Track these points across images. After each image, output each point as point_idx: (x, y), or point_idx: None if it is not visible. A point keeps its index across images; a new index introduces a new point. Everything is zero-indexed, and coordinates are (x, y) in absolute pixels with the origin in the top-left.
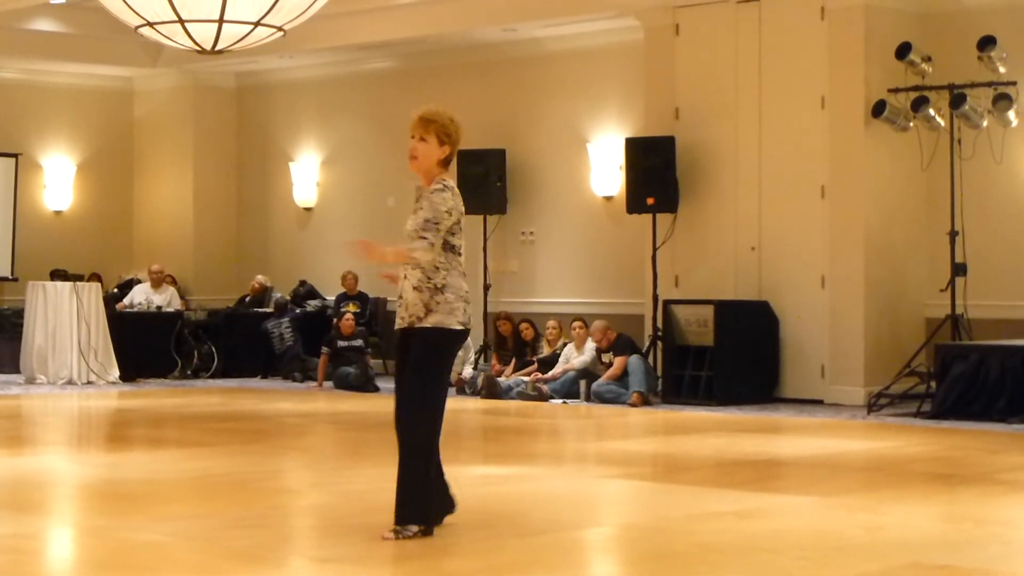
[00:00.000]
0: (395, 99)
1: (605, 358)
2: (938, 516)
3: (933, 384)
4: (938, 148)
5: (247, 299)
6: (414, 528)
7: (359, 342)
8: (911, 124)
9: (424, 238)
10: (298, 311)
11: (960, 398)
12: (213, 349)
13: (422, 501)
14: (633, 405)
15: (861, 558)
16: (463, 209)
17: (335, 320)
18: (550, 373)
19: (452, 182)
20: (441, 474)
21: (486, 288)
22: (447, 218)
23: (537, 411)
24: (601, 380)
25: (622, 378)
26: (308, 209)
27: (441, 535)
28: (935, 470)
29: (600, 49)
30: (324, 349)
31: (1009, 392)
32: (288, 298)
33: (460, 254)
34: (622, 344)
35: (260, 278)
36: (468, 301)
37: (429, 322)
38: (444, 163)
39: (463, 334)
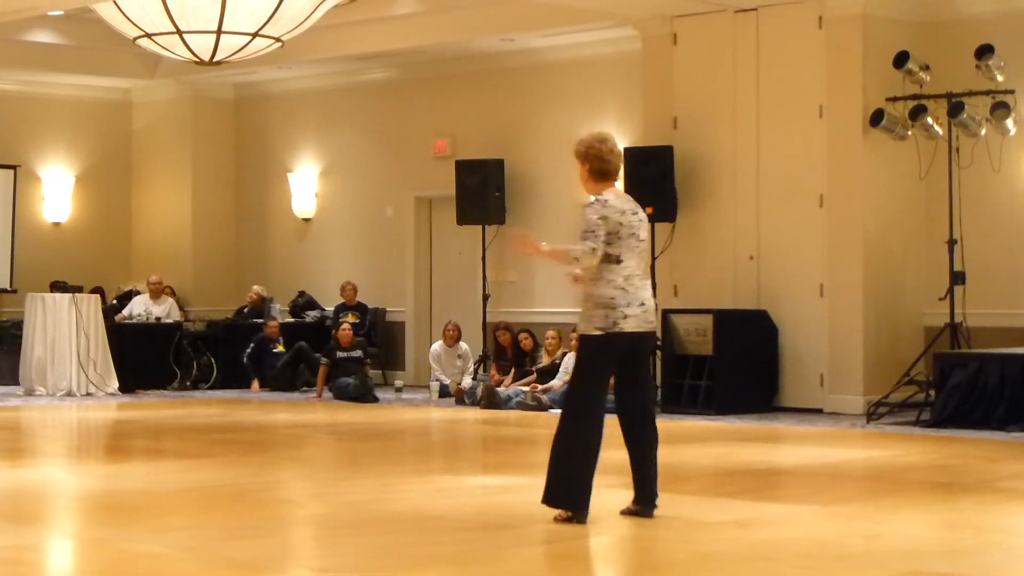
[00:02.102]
0: (393, 109)
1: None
2: (937, 524)
3: (932, 393)
4: (936, 157)
5: (245, 310)
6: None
7: (358, 353)
8: (909, 133)
9: (586, 240)
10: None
11: (959, 406)
12: (212, 360)
13: (571, 489)
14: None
15: (861, 567)
16: (624, 220)
17: (334, 331)
18: (549, 383)
19: (609, 195)
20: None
21: (485, 298)
22: (602, 224)
23: (536, 421)
24: None
25: None
26: (307, 220)
27: (441, 544)
28: (934, 478)
29: (598, 59)
30: (323, 360)
31: (1008, 400)
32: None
33: (620, 262)
34: None
35: (257, 288)
36: (614, 307)
37: (578, 331)
38: (595, 177)
39: (606, 338)
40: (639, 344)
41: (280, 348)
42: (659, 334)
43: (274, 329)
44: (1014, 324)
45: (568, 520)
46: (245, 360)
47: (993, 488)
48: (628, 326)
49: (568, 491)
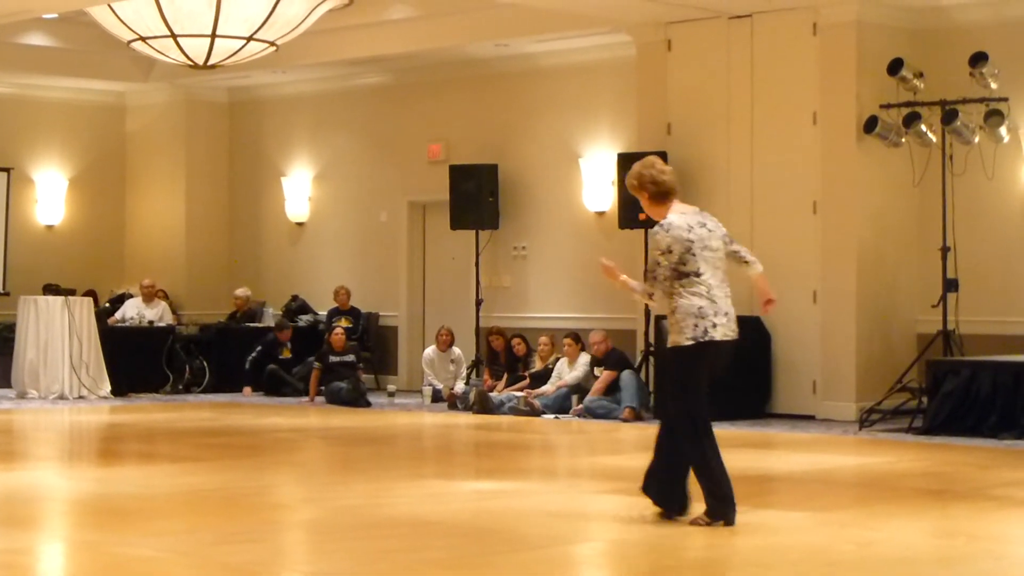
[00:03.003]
0: (388, 114)
1: (597, 371)
2: (930, 532)
3: (925, 400)
4: (930, 164)
5: (238, 314)
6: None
7: (351, 357)
8: (903, 140)
9: (646, 279)
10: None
11: (952, 414)
12: (205, 364)
13: (718, 492)
14: (626, 420)
15: (853, 574)
16: (692, 236)
17: (327, 335)
18: (542, 388)
19: (673, 216)
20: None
21: (478, 303)
22: (663, 260)
23: (529, 426)
24: (590, 395)
25: (614, 393)
26: (300, 224)
27: (434, 548)
28: (927, 486)
29: (592, 64)
30: (316, 364)
31: (1000, 408)
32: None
33: (700, 275)
34: (614, 359)
35: (240, 291)
36: (703, 316)
37: (669, 343)
38: (656, 201)
39: (699, 346)
40: (724, 353)
41: (287, 354)
42: (651, 339)
43: (340, 340)
44: (1007, 332)
45: (725, 525)
46: (247, 365)
47: (986, 496)
48: (718, 335)
49: (726, 501)
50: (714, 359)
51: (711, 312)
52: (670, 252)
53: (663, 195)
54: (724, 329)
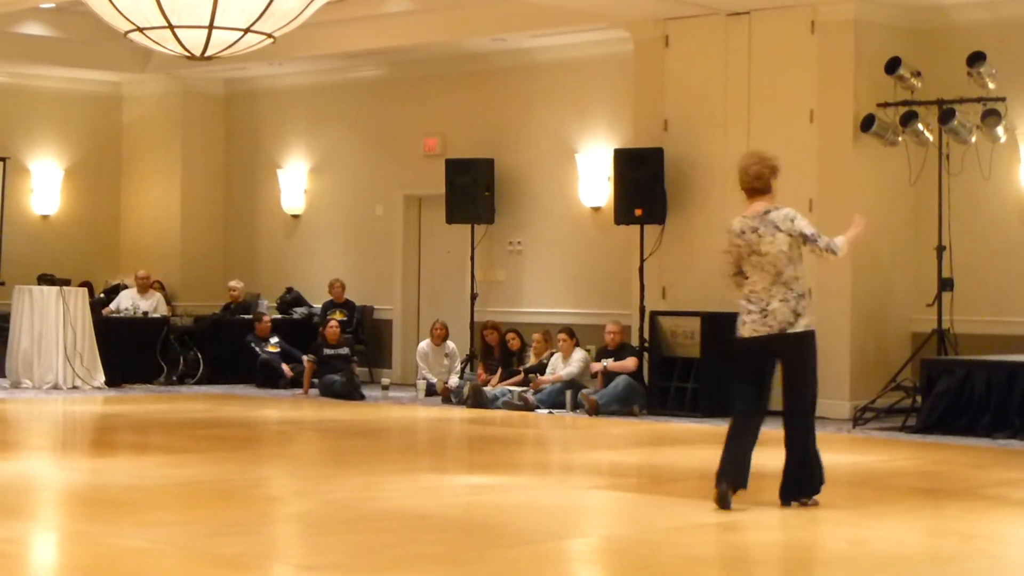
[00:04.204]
0: (384, 107)
1: (605, 361)
2: (923, 531)
3: (919, 399)
4: (926, 163)
5: (232, 306)
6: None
7: (345, 350)
8: (900, 139)
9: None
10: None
11: (946, 413)
12: (199, 355)
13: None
14: (586, 410)
15: (845, 572)
16: (742, 241)
17: (321, 328)
18: (540, 379)
19: (737, 219)
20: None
21: (473, 297)
22: (728, 256)
23: (523, 421)
24: (588, 390)
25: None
26: (296, 216)
27: (426, 543)
28: (920, 484)
29: (590, 60)
30: (310, 357)
31: (994, 408)
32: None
33: (747, 277)
34: (627, 354)
35: (234, 284)
36: (740, 316)
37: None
38: (746, 196)
39: (736, 341)
40: (759, 346)
41: (272, 349)
42: (646, 335)
43: (335, 332)
44: (1001, 331)
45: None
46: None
47: (979, 495)
48: (745, 332)
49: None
50: (751, 353)
51: (745, 311)
52: (728, 262)
53: (747, 192)
54: (753, 326)
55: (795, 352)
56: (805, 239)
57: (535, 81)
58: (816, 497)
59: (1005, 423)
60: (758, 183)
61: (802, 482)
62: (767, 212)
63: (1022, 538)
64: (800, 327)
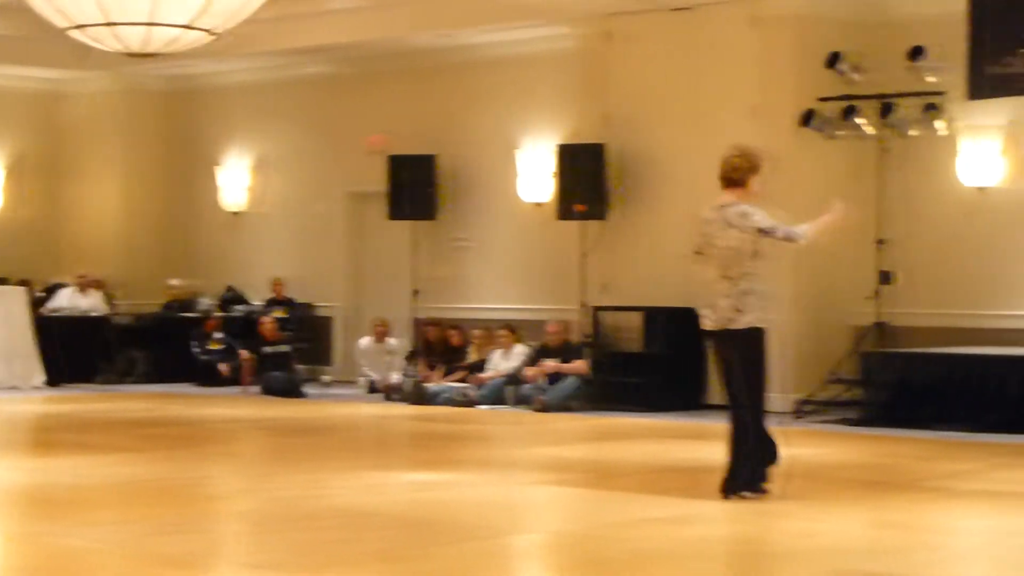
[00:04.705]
0: (329, 104)
1: (548, 362)
2: (866, 523)
3: (860, 391)
4: (867, 157)
5: (175, 304)
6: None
7: (285, 347)
8: (840, 133)
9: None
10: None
11: (886, 405)
12: (140, 354)
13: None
14: (536, 410)
15: (790, 564)
16: (704, 230)
17: (257, 325)
18: (480, 375)
19: (707, 208)
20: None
21: (414, 293)
22: (698, 242)
23: (465, 417)
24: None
25: (555, 384)
26: (236, 214)
27: (371, 540)
28: (863, 477)
29: (534, 56)
30: (249, 353)
31: (935, 400)
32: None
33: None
34: (570, 353)
35: (175, 281)
36: (704, 306)
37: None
38: (727, 186)
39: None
40: (710, 340)
41: (214, 346)
42: (589, 330)
43: (270, 329)
44: (941, 324)
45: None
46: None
47: (921, 487)
48: (705, 325)
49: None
50: (712, 345)
51: (703, 303)
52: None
53: (722, 181)
54: (707, 321)
55: (736, 348)
56: (762, 232)
57: (479, 78)
58: (765, 485)
59: (945, 415)
60: (734, 174)
61: (740, 476)
62: (725, 206)
63: (965, 529)
64: (741, 324)
